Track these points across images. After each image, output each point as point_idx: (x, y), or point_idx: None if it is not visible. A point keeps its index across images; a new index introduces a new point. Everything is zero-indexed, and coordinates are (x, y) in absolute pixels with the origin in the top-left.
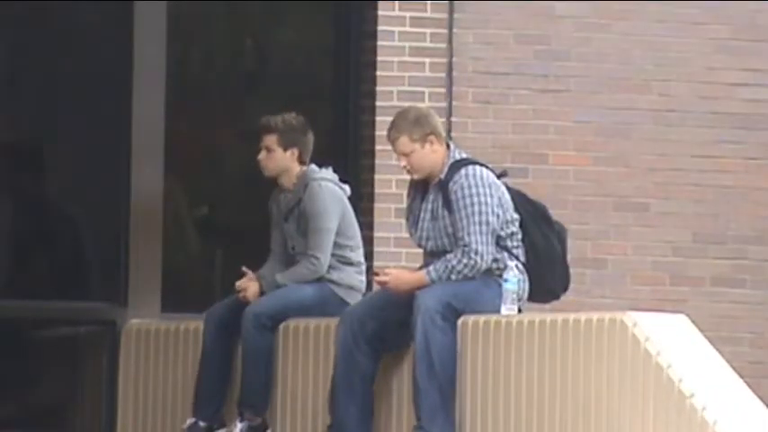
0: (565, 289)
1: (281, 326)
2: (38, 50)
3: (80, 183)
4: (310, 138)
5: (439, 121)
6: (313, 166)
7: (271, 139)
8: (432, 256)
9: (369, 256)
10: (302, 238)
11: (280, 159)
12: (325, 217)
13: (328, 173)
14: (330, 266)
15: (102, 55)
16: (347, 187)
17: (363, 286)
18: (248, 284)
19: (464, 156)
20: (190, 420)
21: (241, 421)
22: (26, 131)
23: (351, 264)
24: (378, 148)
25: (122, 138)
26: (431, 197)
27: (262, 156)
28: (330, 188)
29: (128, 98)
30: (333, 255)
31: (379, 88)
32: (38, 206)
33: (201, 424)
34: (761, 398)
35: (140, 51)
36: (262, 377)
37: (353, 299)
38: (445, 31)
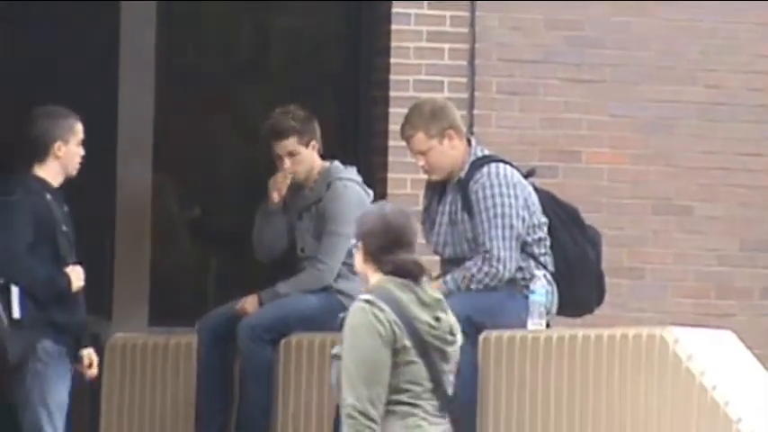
0: (599, 301)
1: (282, 341)
2: (26, 43)
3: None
4: (317, 124)
5: (458, 114)
6: (337, 164)
7: (291, 143)
8: (450, 264)
9: None
10: (315, 241)
11: (307, 158)
12: (344, 221)
13: (354, 173)
14: (339, 275)
15: (88, 40)
16: (371, 192)
17: None
18: (247, 297)
19: (487, 153)
20: None
21: None
22: (10, 127)
23: None
24: (391, 143)
25: (108, 133)
26: (449, 199)
27: (288, 164)
28: (356, 190)
29: (113, 87)
30: (344, 263)
31: (392, 77)
32: None
33: None
34: None
35: (127, 36)
36: (262, 394)
37: None
38: (467, 13)
